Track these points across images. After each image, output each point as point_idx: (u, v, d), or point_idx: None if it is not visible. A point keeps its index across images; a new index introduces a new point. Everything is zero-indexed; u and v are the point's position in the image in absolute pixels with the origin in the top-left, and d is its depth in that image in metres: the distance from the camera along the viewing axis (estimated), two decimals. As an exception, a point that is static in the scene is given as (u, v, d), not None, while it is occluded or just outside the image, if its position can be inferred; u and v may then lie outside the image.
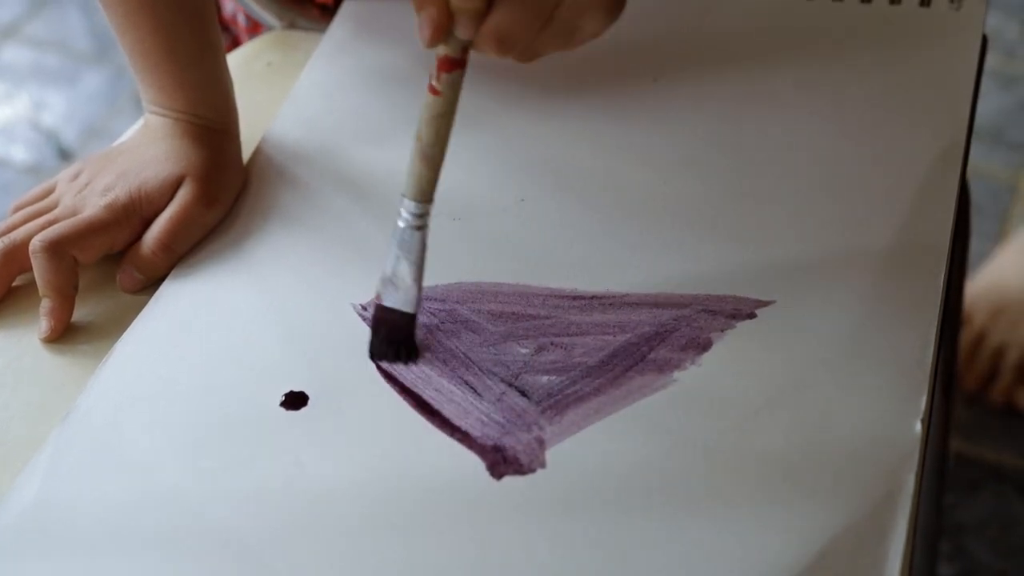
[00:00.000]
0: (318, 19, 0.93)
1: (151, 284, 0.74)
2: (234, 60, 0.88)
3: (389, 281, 0.67)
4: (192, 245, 0.76)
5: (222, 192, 0.77)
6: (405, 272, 0.66)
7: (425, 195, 0.65)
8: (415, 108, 0.84)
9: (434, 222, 0.75)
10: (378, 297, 0.67)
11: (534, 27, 0.62)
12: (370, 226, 0.76)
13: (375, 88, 0.87)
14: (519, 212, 0.76)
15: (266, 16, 0.94)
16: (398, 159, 0.80)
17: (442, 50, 0.62)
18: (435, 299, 0.71)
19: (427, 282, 0.72)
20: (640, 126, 0.82)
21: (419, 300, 0.67)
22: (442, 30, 0.62)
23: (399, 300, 0.67)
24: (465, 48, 0.63)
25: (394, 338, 0.67)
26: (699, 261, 0.72)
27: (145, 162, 0.77)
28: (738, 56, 0.85)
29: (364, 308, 0.70)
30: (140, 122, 0.82)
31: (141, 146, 0.78)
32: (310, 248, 0.75)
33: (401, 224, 0.66)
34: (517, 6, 0.61)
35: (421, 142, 0.64)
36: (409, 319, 0.67)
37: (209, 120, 0.79)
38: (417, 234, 0.66)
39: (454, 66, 0.63)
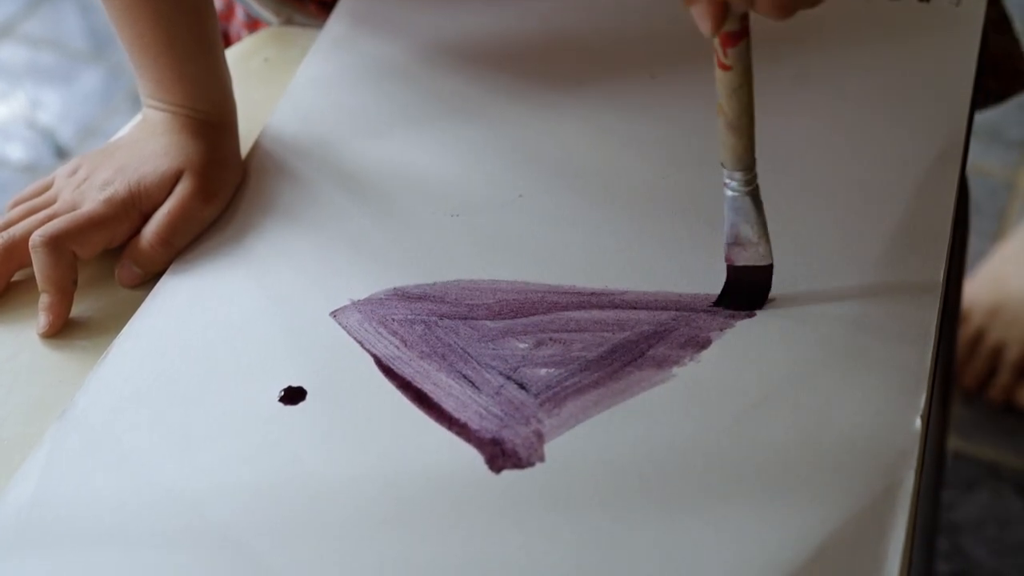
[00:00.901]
0: (315, 15, 0.93)
1: (150, 279, 0.74)
2: (231, 56, 0.88)
3: (735, 244, 0.69)
4: (191, 240, 0.76)
5: (220, 187, 0.77)
6: (749, 233, 0.68)
7: (743, 163, 0.66)
8: (412, 102, 0.85)
9: (432, 219, 0.75)
10: (729, 259, 0.69)
11: None
12: (368, 221, 0.76)
13: (373, 83, 0.87)
14: (518, 208, 0.76)
15: (263, 12, 0.94)
16: (395, 153, 0.81)
17: (723, 27, 0.62)
18: (433, 296, 0.71)
19: (424, 279, 0.72)
20: (639, 122, 0.82)
21: (770, 251, 0.69)
22: (719, 18, 0.62)
23: (751, 258, 0.69)
24: (744, 17, 0.62)
25: (753, 291, 0.69)
26: (698, 258, 0.72)
27: (144, 157, 0.77)
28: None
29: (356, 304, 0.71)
30: (138, 117, 0.82)
31: (139, 141, 0.78)
32: (308, 243, 0.75)
33: (730, 193, 0.67)
34: None
35: (726, 116, 0.65)
36: (766, 270, 0.69)
37: (207, 114, 0.79)
38: (748, 198, 0.67)
39: (737, 39, 0.63)
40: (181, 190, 0.75)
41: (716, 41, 0.63)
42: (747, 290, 0.69)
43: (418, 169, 0.80)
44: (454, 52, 0.87)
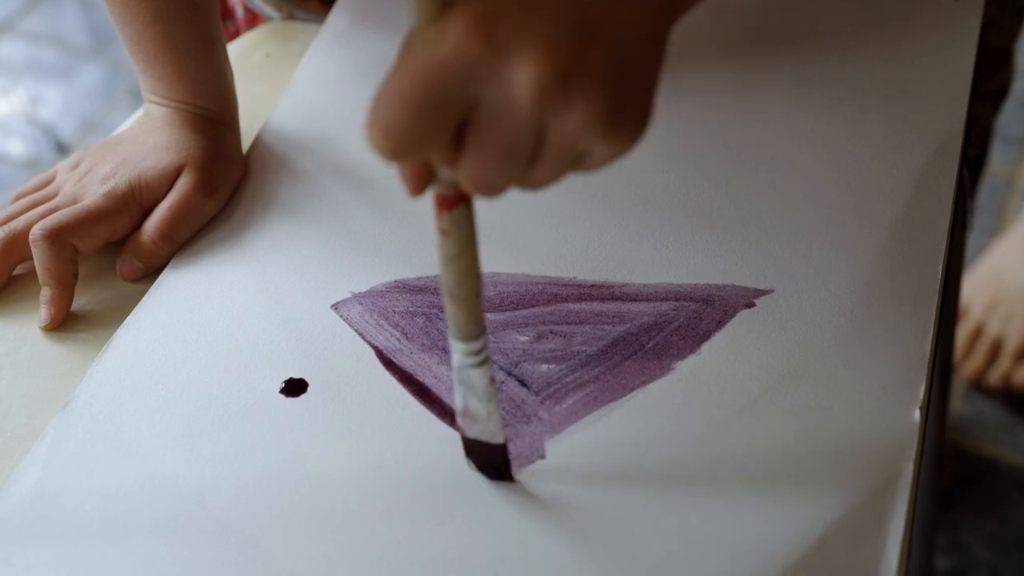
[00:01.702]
0: (316, 10, 0.93)
1: (151, 273, 0.75)
2: (232, 51, 0.88)
3: (464, 414, 0.61)
4: (192, 234, 0.76)
5: (221, 182, 0.77)
6: (476, 408, 0.60)
7: (466, 334, 0.57)
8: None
9: (430, 214, 0.75)
10: (460, 428, 0.62)
11: (517, 167, 0.51)
12: (369, 214, 0.76)
13: (374, 78, 0.86)
14: (518, 200, 0.76)
15: (265, 7, 0.94)
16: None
17: (434, 188, 0.53)
18: (434, 288, 0.71)
19: (424, 271, 0.72)
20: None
21: (501, 431, 0.61)
22: (421, 178, 0.52)
23: (481, 432, 0.61)
24: (456, 183, 0.53)
25: (488, 464, 0.63)
26: (698, 250, 0.73)
27: (145, 151, 0.77)
28: (737, 47, 0.85)
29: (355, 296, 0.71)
30: (140, 112, 0.82)
31: (141, 135, 0.78)
32: (309, 238, 0.75)
33: (455, 364, 0.59)
34: (487, 147, 0.50)
35: (444, 285, 0.56)
36: (499, 449, 0.62)
37: (209, 110, 0.79)
38: (476, 371, 0.59)
39: (453, 203, 0.53)
40: (182, 184, 0.76)
41: (435, 209, 0.54)
42: (484, 462, 0.62)
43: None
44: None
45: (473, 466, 0.63)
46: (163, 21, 0.78)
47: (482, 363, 0.58)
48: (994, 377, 1.37)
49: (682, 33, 0.80)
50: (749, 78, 0.83)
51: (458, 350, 0.58)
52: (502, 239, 0.74)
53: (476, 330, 0.57)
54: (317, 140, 0.82)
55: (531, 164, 0.51)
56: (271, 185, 0.79)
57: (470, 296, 0.56)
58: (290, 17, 0.94)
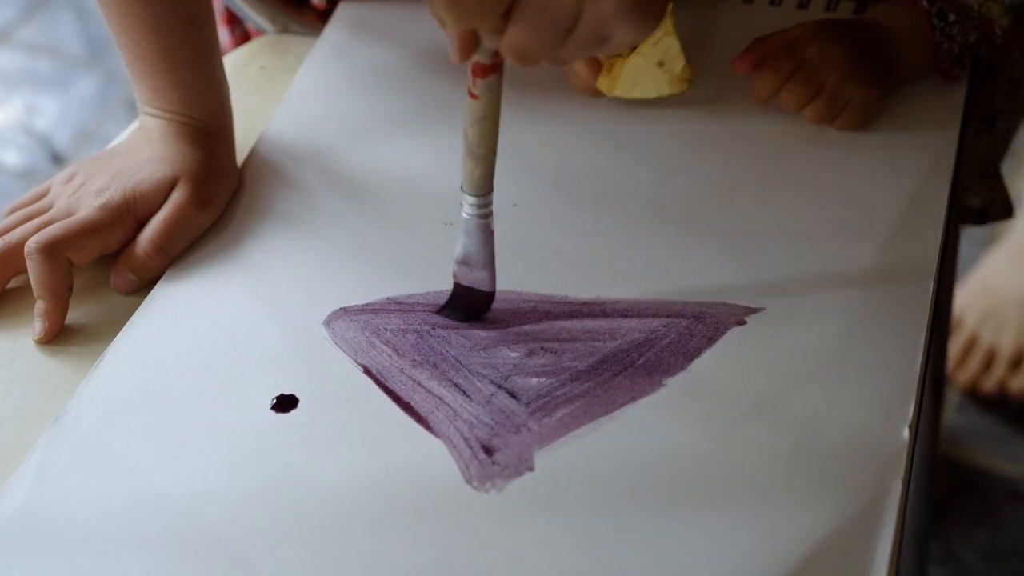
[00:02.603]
0: (312, 23, 0.94)
1: (145, 286, 0.75)
2: (228, 64, 0.88)
3: (462, 263, 0.70)
4: (186, 247, 0.76)
5: (216, 195, 0.77)
6: (474, 257, 0.69)
7: (479, 188, 0.67)
8: (409, 110, 0.85)
9: (427, 228, 0.76)
10: (455, 276, 0.70)
11: (553, 40, 0.61)
12: (363, 230, 0.77)
13: (369, 91, 0.87)
14: (511, 217, 0.76)
15: (260, 20, 0.94)
16: (391, 161, 0.81)
17: (474, 56, 0.63)
18: (428, 304, 0.71)
19: (419, 288, 0.72)
20: (633, 135, 0.82)
21: (492, 280, 0.70)
22: (468, 45, 0.62)
23: (475, 280, 0.70)
24: (496, 53, 0.63)
25: (470, 311, 0.71)
26: (690, 269, 0.73)
27: (139, 164, 0.77)
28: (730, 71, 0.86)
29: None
30: (135, 124, 0.82)
31: (135, 148, 0.79)
32: (303, 251, 0.75)
33: (463, 215, 0.68)
34: (532, 21, 0.60)
35: (468, 142, 0.66)
36: (487, 296, 0.70)
37: (204, 122, 0.79)
38: (480, 223, 0.68)
39: (488, 71, 0.63)
40: (176, 197, 0.76)
41: (469, 73, 0.64)
42: (468, 307, 0.71)
43: (414, 177, 0.80)
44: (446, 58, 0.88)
45: (447, 314, 0.70)
46: (160, 31, 0.78)
47: (487, 215, 0.68)
48: (989, 384, 1.38)
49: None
50: (746, 96, 0.83)
51: (469, 203, 0.68)
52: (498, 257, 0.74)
53: (488, 187, 0.67)
54: (312, 153, 0.82)
55: (563, 41, 0.61)
56: (266, 198, 0.79)
57: (488, 154, 0.66)
58: (285, 30, 0.94)
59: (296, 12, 0.94)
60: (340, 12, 0.92)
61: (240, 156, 0.82)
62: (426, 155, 0.81)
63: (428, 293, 0.72)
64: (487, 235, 0.69)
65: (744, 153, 0.80)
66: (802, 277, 0.72)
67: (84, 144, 1.81)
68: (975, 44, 0.82)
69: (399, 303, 0.72)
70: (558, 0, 0.60)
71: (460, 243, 0.69)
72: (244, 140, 0.83)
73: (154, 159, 0.77)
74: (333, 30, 0.91)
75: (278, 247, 0.76)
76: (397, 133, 0.84)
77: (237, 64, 0.92)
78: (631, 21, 0.61)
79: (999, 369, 1.38)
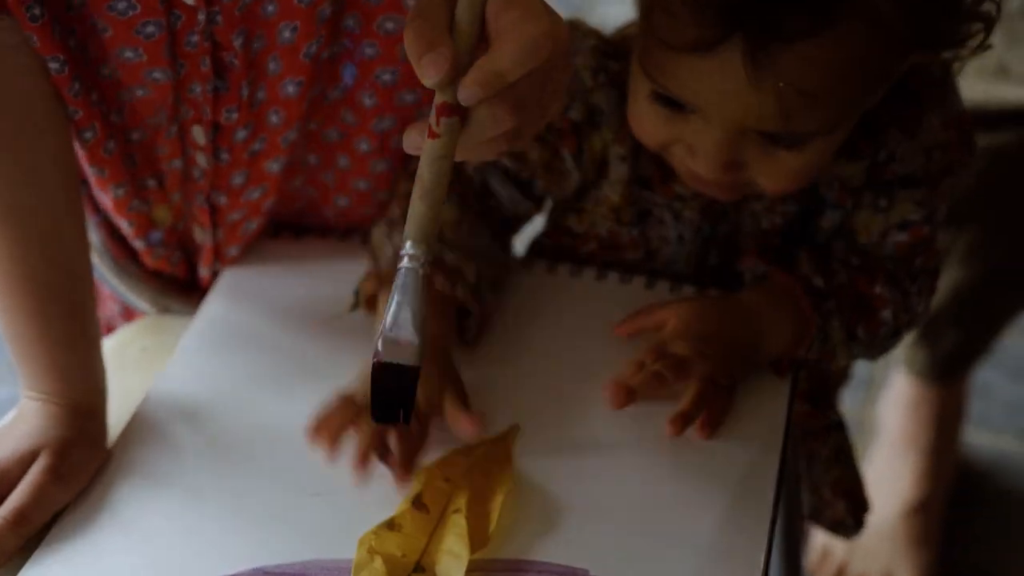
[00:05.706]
0: (196, 303, 0.95)
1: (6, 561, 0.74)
2: (109, 345, 0.90)
3: (389, 335, 0.67)
4: (46, 519, 0.77)
5: (78, 469, 0.78)
6: (406, 319, 0.66)
7: (426, 236, 0.66)
8: (281, 373, 0.86)
9: (294, 500, 0.76)
10: (377, 355, 0.67)
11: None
12: (233, 500, 0.78)
13: (248, 356, 0.88)
14: (377, 486, 0.78)
15: (140, 304, 0.96)
16: (263, 429, 0.82)
17: (440, 97, 0.65)
18: (294, 575, 0.72)
19: (287, 558, 0.73)
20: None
21: (422, 352, 0.67)
22: (447, 79, 0.64)
23: (400, 354, 0.67)
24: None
25: (396, 396, 0.68)
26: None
27: (5, 441, 0.79)
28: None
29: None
30: (14, 411, 0.84)
31: (8, 428, 0.81)
32: (174, 523, 0.76)
33: (401, 268, 0.67)
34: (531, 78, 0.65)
35: (423, 183, 0.66)
36: (412, 373, 0.67)
37: (77, 401, 0.81)
38: (421, 273, 0.67)
39: (451, 112, 0.65)
40: (35, 469, 0.77)
41: (433, 112, 0.65)
42: (390, 395, 0.68)
43: (285, 445, 0.81)
44: (327, 320, 0.90)
45: (378, 409, 0.68)
46: (38, 319, 0.81)
47: (425, 271, 0.66)
48: None
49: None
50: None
51: (409, 251, 0.66)
52: (360, 525, 0.75)
53: (432, 235, 0.66)
54: (186, 426, 0.83)
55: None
56: (139, 470, 0.80)
57: (439, 199, 0.66)
58: (166, 311, 0.96)
59: (180, 294, 0.96)
60: (218, 285, 0.94)
61: (115, 432, 0.83)
62: (298, 420, 0.80)
63: (294, 564, 0.73)
64: (424, 293, 0.67)
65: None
66: (630, 543, 0.75)
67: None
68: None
69: (268, 573, 0.72)
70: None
71: (391, 307, 0.67)
72: (119, 420, 0.83)
73: (19, 436, 0.79)
74: (209, 305, 0.93)
75: (150, 523, 0.76)
76: (272, 399, 0.85)
77: (119, 345, 0.93)
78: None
79: None
